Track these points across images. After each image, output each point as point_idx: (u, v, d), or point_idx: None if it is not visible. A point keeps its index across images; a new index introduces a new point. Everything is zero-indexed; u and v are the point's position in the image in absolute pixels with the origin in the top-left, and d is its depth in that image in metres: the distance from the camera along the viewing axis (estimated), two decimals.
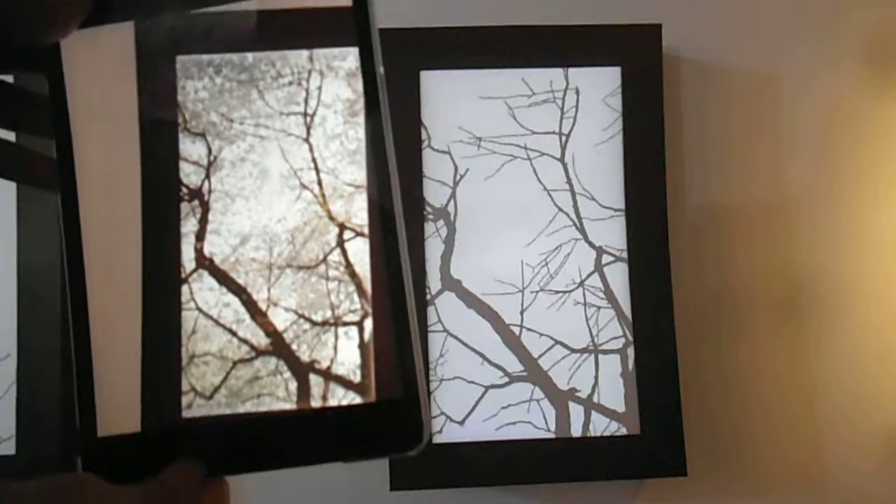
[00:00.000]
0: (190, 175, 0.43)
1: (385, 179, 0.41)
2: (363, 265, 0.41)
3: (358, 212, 0.41)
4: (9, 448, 1.00)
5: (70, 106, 0.43)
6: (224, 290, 0.42)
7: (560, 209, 1.07)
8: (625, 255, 1.06)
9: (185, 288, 0.42)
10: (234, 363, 0.41)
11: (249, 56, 0.43)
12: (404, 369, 0.39)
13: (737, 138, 1.14)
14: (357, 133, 0.42)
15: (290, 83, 0.43)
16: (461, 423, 1.04)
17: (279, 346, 0.41)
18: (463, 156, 1.07)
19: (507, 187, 1.07)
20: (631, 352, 1.05)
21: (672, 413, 1.04)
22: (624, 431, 1.04)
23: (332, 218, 0.42)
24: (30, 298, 1.01)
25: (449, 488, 1.05)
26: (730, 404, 1.10)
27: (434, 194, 1.06)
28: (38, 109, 0.45)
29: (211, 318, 0.42)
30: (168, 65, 0.43)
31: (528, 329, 1.06)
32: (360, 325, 0.41)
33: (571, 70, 1.08)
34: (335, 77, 0.42)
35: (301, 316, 0.41)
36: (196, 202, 0.42)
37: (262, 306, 0.42)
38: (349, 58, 0.42)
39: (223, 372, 0.41)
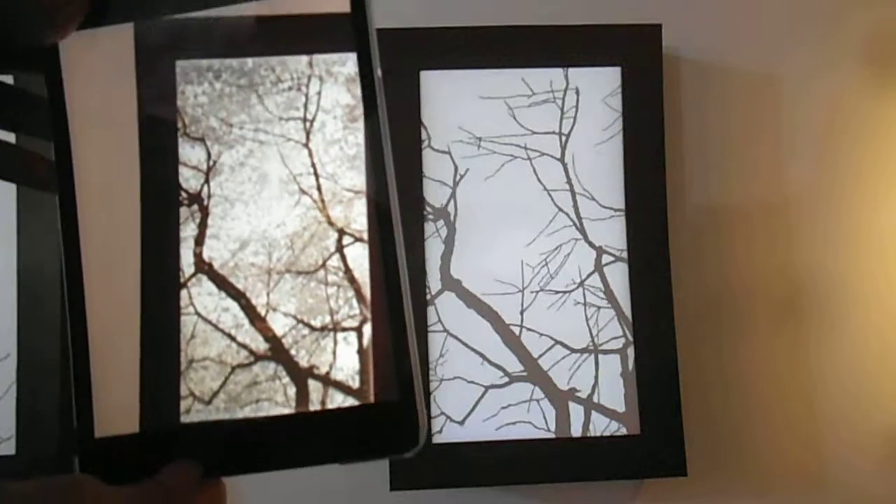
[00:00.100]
0: (189, 179, 0.43)
1: (383, 184, 0.41)
2: (362, 270, 0.41)
3: (357, 217, 0.41)
4: (9, 448, 1.00)
5: (69, 108, 0.43)
6: (223, 294, 0.42)
7: (560, 209, 1.07)
8: (625, 255, 1.06)
9: (184, 292, 0.42)
10: (233, 368, 0.41)
11: (249, 61, 0.43)
12: (401, 371, 0.40)
13: (737, 138, 1.14)
14: (357, 138, 0.42)
15: (290, 88, 0.43)
16: (461, 423, 1.04)
17: (278, 352, 0.41)
18: (463, 156, 1.07)
19: (507, 187, 1.07)
20: (631, 352, 1.05)
21: (672, 413, 1.04)
22: (624, 431, 1.04)
23: (331, 223, 0.42)
24: (30, 299, 1.01)
25: (449, 488, 1.05)
26: (730, 404, 1.10)
27: (434, 194, 1.06)
28: (38, 111, 0.45)
29: (210, 322, 0.42)
30: (168, 69, 0.43)
31: (528, 329, 1.06)
32: (359, 330, 0.41)
33: (571, 70, 1.08)
34: (335, 82, 0.42)
35: (300, 321, 0.41)
36: (195, 207, 0.42)
37: (261, 311, 0.42)
38: (349, 63, 0.42)
39: (222, 377, 0.41)
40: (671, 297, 1.05)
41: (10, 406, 1.01)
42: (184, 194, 0.43)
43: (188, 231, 0.42)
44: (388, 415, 0.40)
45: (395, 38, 1.04)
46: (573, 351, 1.06)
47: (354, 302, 0.41)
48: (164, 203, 0.43)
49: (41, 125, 0.45)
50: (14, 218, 1.02)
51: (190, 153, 0.43)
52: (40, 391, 1.00)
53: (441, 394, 1.04)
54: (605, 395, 1.05)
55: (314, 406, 0.41)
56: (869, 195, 1.13)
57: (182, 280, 0.42)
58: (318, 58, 0.43)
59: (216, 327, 0.42)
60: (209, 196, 0.42)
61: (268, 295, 0.42)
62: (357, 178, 0.42)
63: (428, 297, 1.05)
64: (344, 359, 0.41)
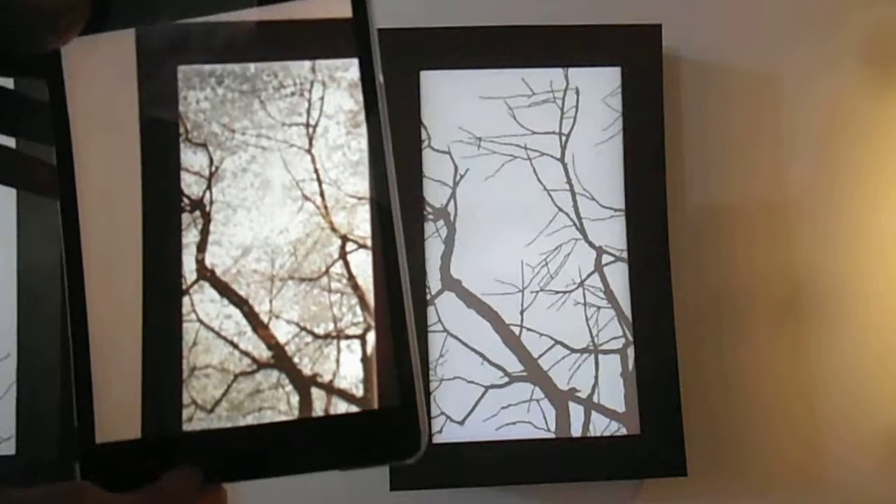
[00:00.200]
0: (191, 185, 0.42)
1: (384, 190, 0.40)
2: (366, 277, 0.41)
3: (361, 223, 0.41)
4: (9, 448, 1.00)
5: (71, 113, 0.42)
6: (225, 301, 0.42)
7: (560, 209, 1.07)
8: (625, 255, 1.06)
9: (185, 299, 0.42)
10: (236, 376, 0.41)
11: (251, 66, 0.43)
12: (403, 377, 0.39)
13: (737, 138, 1.14)
14: (360, 144, 0.42)
15: (293, 94, 0.43)
16: (461, 423, 1.04)
17: (281, 359, 0.41)
18: (463, 156, 1.07)
19: (507, 187, 1.07)
20: (631, 352, 1.05)
21: (672, 413, 1.04)
22: (624, 431, 1.04)
23: (334, 229, 0.41)
24: (30, 299, 1.01)
25: (449, 488, 1.05)
26: (730, 404, 1.10)
27: (434, 194, 1.06)
28: (38, 115, 0.45)
29: (212, 330, 0.42)
30: (170, 74, 0.43)
31: (528, 329, 1.06)
32: (362, 338, 0.41)
33: (571, 70, 1.08)
34: (337, 88, 0.42)
35: (303, 328, 0.41)
36: (197, 213, 0.42)
37: (264, 318, 0.41)
38: (351, 68, 0.42)
39: (224, 385, 0.41)
40: (671, 297, 1.05)
41: (10, 406, 1.01)
42: (186, 200, 0.42)
43: (190, 237, 0.42)
44: (390, 421, 0.40)
45: (395, 38, 1.04)
46: (573, 351, 1.05)
47: (358, 309, 0.41)
48: (166, 209, 0.42)
49: (41, 130, 0.45)
50: (14, 218, 1.02)
51: (192, 159, 0.43)
52: (40, 391, 1.00)
53: (441, 394, 1.04)
54: (605, 395, 1.05)
55: (317, 414, 0.41)
56: (869, 195, 1.13)
57: (184, 287, 0.42)
58: (321, 63, 0.43)
59: (218, 335, 0.41)
60: (211, 202, 0.42)
61: (270, 302, 0.41)
62: (360, 184, 0.41)
63: (428, 297, 1.05)
64: (348, 367, 0.41)
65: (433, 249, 1.06)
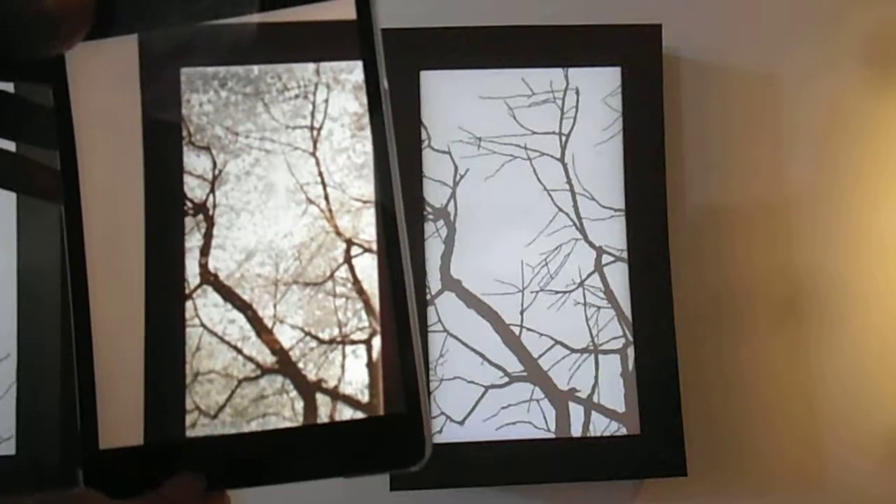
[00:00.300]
0: (195, 189, 0.42)
1: (388, 193, 0.40)
2: (371, 282, 0.41)
3: (366, 227, 0.41)
4: (9, 448, 1.00)
5: (74, 117, 0.42)
6: (229, 306, 0.41)
7: (560, 209, 1.07)
8: (625, 255, 1.06)
9: (189, 304, 0.42)
10: (240, 381, 0.41)
11: (255, 69, 0.43)
12: (407, 384, 0.39)
13: (737, 138, 1.14)
14: (365, 147, 0.41)
15: (297, 96, 0.42)
16: (461, 423, 1.04)
17: (285, 365, 0.41)
18: (463, 156, 1.07)
19: (507, 187, 1.07)
20: (631, 352, 1.05)
21: (672, 413, 1.04)
22: (624, 431, 1.04)
23: (339, 233, 0.41)
24: (30, 299, 1.01)
25: (449, 488, 1.05)
26: (730, 404, 1.10)
27: (434, 194, 1.06)
28: (39, 119, 0.45)
29: (216, 334, 0.41)
30: (173, 77, 0.43)
31: (528, 329, 1.06)
32: (368, 343, 0.40)
33: (571, 70, 1.08)
34: (342, 90, 0.42)
35: (308, 333, 0.41)
36: (201, 217, 0.42)
37: (268, 323, 0.41)
38: (356, 71, 0.42)
39: (228, 390, 0.41)
40: (671, 297, 1.05)
41: (10, 406, 1.00)
42: (189, 204, 0.42)
43: (193, 241, 0.42)
44: (394, 428, 0.39)
45: (395, 38, 1.04)
46: (573, 351, 1.05)
47: (363, 314, 0.41)
48: (169, 213, 0.42)
49: (42, 133, 0.45)
50: (14, 219, 1.02)
51: (195, 162, 0.42)
52: (40, 391, 1.00)
53: (441, 394, 1.04)
54: (605, 395, 1.05)
55: (322, 421, 0.40)
56: (869, 195, 1.13)
57: (187, 291, 0.42)
58: (325, 65, 0.42)
59: (222, 339, 0.41)
60: (215, 206, 0.42)
61: (275, 307, 0.41)
62: (365, 188, 0.41)
63: (428, 297, 1.05)
64: (353, 372, 0.40)
65: (433, 249, 1.06)
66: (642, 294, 1.06)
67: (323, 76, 0.42)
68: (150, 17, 0.43)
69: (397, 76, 1.05)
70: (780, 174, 1.14)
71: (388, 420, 0.40)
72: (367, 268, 0.41)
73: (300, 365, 0.41)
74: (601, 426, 1.04)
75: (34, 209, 1.01)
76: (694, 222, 1.12)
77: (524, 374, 1.05)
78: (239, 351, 0.41)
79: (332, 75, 0.42)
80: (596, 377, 1.05)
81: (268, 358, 0.41)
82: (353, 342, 0.41)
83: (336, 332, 0.41)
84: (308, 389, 0.41)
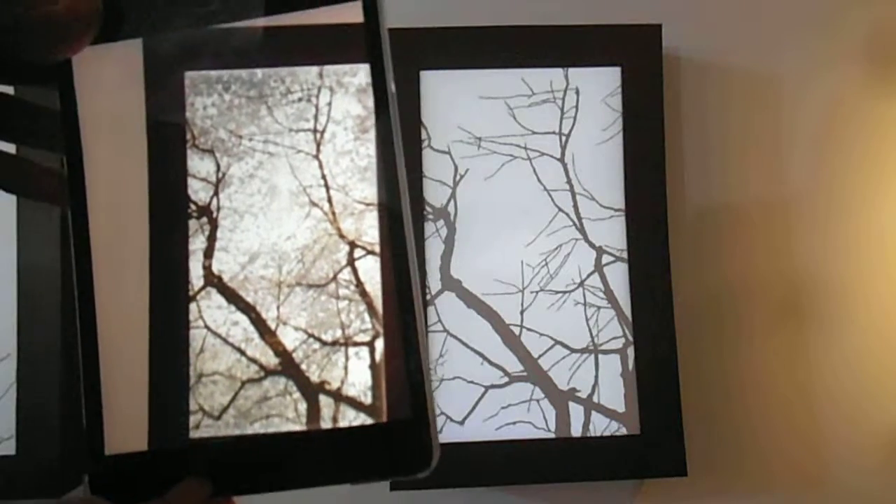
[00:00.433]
0: (198, 192, 0.42)
1: (395, 197, 0.40)
2: (374, 284, 0.41)
3: (369, 229, 0.41)
4: (9, 448, 1.00)
5: (81, 121, 0.42)
6: (232, 308, 0.41)
7: (560, 209, 1.07)
8: (625, 255, 1.06)
9: (193, 306, 0.42)
10: (243, 383, 0.41)
11: (258, 72, 0.43)
12: (414, 390, 0.39)
13: (737, 138, 1.14)
14: (368, 150, 0.42)
15: (300, 99, 0.42)
16: (461, 423, 1.04)
17: (288, 366, 0.41)
18: (463, 156, 1.07)
19: (507, 187, 1.07)
20: (631, 352, 1.05)
21: (672, 413, 1.04)
22: (624, 431, 1.04)
23: (342, 236, 0.41)
24: (30, 299, 1.01)
25: (449, 488, 1.05)
26: (730, 404, 1.10)
27: (434, 194, 1.06)
28: (39, 122, 0.45)
29: (219, 336, 0.41)
30: (177, 80, 0.43)
31: (528, 329, 1.06)
32: (371, 345, 0.40)
33: (571, 70, 1.08)
34: (345, 93, 0.42)
35: (311, 335, 0.41)
36: (204, 219, 0.42)
37: (272, 325, 0.41)
38: (359, 74, 0.42)
39: (231, 392, 0.41)
40: (671, 297, 1.05)
41: (10, 406, 1.00)
42: (193, 206, 0.42)
43: (197, 244, 0.42)
44: (401, 435, 0.39)
45: (395, 38, 1.03)
46: (573, 351, 1.05)
47: (366, 316, 0.41)
48: (173, 216, 0.42)
49: (42, 136, 0.45)
50: (14, 219, 1.02)
51: (199, 165, 0.42)
52: (40, 391, 1.00)
53: (441, 394, 1.04)
54: (605, 395, 1.05)
55: (325, 422, 0.40)
56: (869, 195, 1.13)
57: (191, 293, 0.42)
58: (329, 68, 0.42)
59: (226, 341, 0.41)
60: (218, 208, 0.42)
61: (278, 309, 0.41)
62: (368, 190, 0.41)
63: (428, 297, 1.05)
64: (356, 374, 0.40)
65: (433, 249, 1.06)
66: (642, 294, 1.06)
67: (326, 79, 0.42)
68: (155, 22, 0.43)
69: (397, 76, 1.04)
70: (779, 174, 1.14)
71: (395, 426, 0.40)
72: (370, 270, 0.41)
73: (303, 367, 0.41)
74: (601, 426, 1.04)
75: (34, 209, 1.01)
76: (694, 222, 1.12)
77: (524, 374, 1.05)
78: (242, 353, 0.41)
79: (336, 78, 0.42)
80: (596, 377, 1.05)
81: (271, 360, 0.41)
82: (356, 344, 0.41)
83: (339, 334, 0.41)
84: (311, 391, 0.41)
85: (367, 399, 0.40)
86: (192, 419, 0.41)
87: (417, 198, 1.05)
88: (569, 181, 1.07)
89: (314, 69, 0.42)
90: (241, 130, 0.42)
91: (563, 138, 1.07)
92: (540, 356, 1.05)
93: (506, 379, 1.05)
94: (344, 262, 0.41)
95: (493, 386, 1.05)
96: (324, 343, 0.41)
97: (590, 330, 1.06)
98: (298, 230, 0.42)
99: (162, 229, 0.42)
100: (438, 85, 1.07)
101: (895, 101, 1.14)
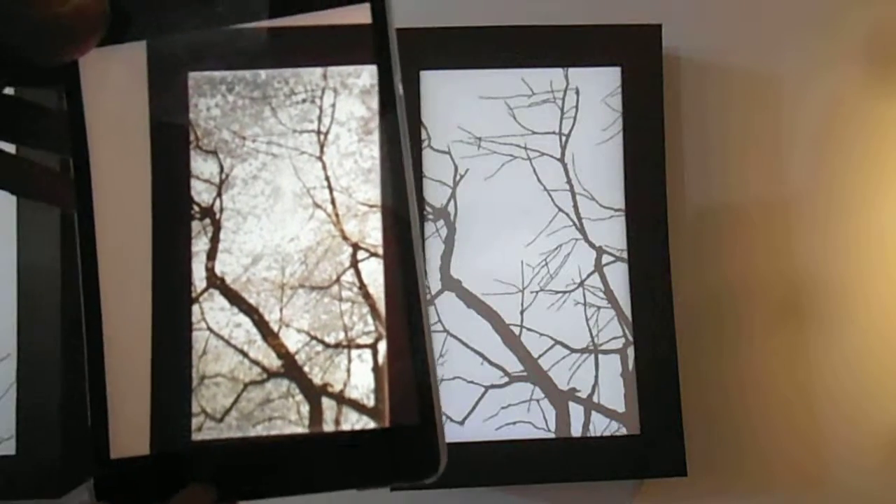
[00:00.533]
0: (202, 193, 0.42)
1: (403, 200, 0.40)
2: (377, 286, 0.40)
3: (372, 231, 0.41)
4: (9, 448, 0.99)
5: (87, 122, 0.42)
6: (235, 310, 0.41)
7: (560, 209, 1.07)
8: (625, 255, 1.06)
9: (195, 307, 0.42)
10: (246, 385, 0.41)
11: (262, 73, 0.42)
12: (421, 395, 0.39)
13: (737, 138, 1.14)
14: (372, 151, 0.41)
15: (304, 100, 0.42)
16: (461, 423, 1.04)
17: (291, 368, 0.41)
18: (463, 156, 1.07)
19: (507, 187, 1.07)
20: (631, 352, 1.05)
21: (672, 413, 1.04)
22: (624, 431, 1.04)
23: (345, 238, 0.41)
24: (30, 299, 1.01)
25: (449, 488, 1.05)
26: (730, 404, 1.11)
27: (434, 194, 1.06)
28: (40, 121, 0.45)
29: (222, 338, 0.41)
30: (180, 81, 0.43)
31: (528, 329, 1.06)
32: (373, 347, 0.40)
33: (571, 70, 1.08)
34: (349, 94, 0.42)
35: (314, 337, 0.41)
36: (207, 220, 0.42)
37: (274, 327, 0.41)
38: (363, 75, 0.42)
39: (234, 394, 0.41)
40: (671, 297, 1.05)
41: (10, 406, 1.00)
42: (196, 208, 0.42)
43: (200, 245, 0.42)
44: (408, 439, 0.39)
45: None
46: (573, 351, 1.05)
47: (369, 318, 0.40)
48: (176, 217, 0.42)
49: (43, 136, 0.45)
50: (14, 218, 1.02)
51: (202, 166, 0.42)
52: (40, 391, 1.00)
53: (441, 394, 1.04)
54: (605, 395, 1.05)
55: (328, 425, 0.40)
56: (869, 195, 1.13)
57: (194, 295, 0.42)
58: (333, 70, 0.42)
59: (228, 343, 0.41)
60: (221, 210, 0.42)
61: (281, 310, 0.41)
62: (372, 192, 0.41)
63: (428, 297, 1.05)
64: (358, 376, 0.40)
65: (433, 249, 1.06)
66: (642, 294, 1.06)
67: (330, 80, 0.42)
68: (162, 24, 0.43)
69: None
70: (779, 174, 1.14)
71: (402, 431, 0.40)
72: (374, 272, 0.41)
73: (306, 369, 0.41)
74: (601, 426, 1.04)
75: (34, 209, 1.01)
76: (694, 222, 1.12)
77: (524, 374, 1.05)
78: (245, 354, 0.41)
79: (340, 80, 0.42)
80: (596, 377, 1.05)
81: (274, 362, 0.41)
82: (359, 346, 0.41)
83: (342, 336, 0.41)
84: (314, 393, 0.41)
85: (370, 402, 0.40)
86: (195, 421, 0.41)
87: (418, 198, 1.05)
88: (569, 181, 1.07)
89: (318, 70, 0.42)
90: (244, 132, 0.42)
91: (563, 138, 1.07)
92: (540, 356, 1.05)
93: (506, 379, 1.05)
94: (347, 264, 0.41)
95: (493, 386, 1.05)
96: (327, 345, 0.41)
97: (590, 330, 1.06)
98: (302, 232, 0.41)
99: (165, 231, 0.42)
100: (438, 85, 1.07)
101: (895, 101, 1.14)
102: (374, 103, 0.41)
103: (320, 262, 0.41)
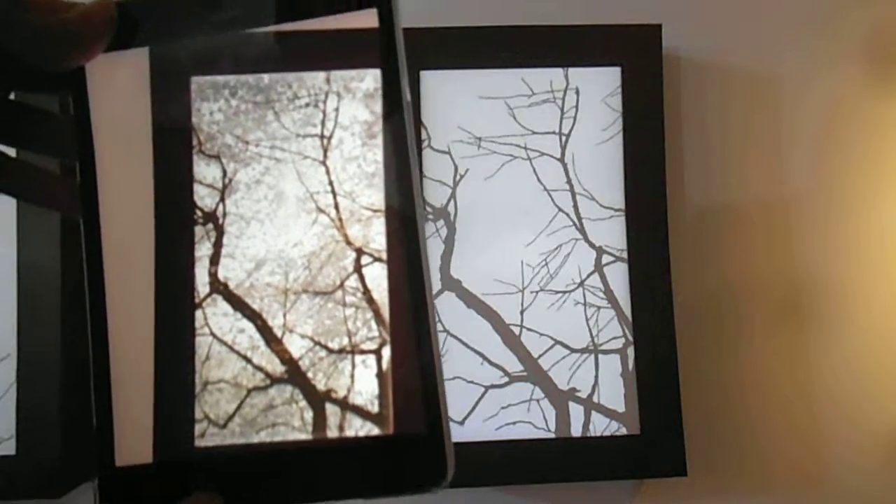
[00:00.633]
0: (205, 198, 0.42)
1: (410, 205, 0.40)
2: (381, 291, 0.40)
3: (376, 236, 0.41)
4: (9, 448, 0.99)
5: (93, 127, 0.42)
6: (239, 315, 0.41)
7: (560, 209, 1.07)
8: (625, 255, 1.06)
9: (199, 313, 0.42)
10: (249, 391, 0.41)
11: (265, 77, 0.42)
12: (427, 402, 0.39)
13: (737, 138, 1.14)
14: (375, 155, 0.41)
15: (307, 105, 0.42)
16: (461, 423, 1.04)
17: (295, 374, 0.41)
18: (463, 156, 1.07)
19: (507, 187, 1.07)
20: (631, 352, 1.05)
21: (672, 413, 1.04)
22: (624, 431, 1.04)
23: (349, 242, 0.41)
24: (30, 299, 1.01)
25: (449, 488, 1.05)
26: (730, 404, 1.11)
27: (434, 194, 1.06)
28: (41, 125, 0.45)
29: (225, 343, 0.41)
30: (183, 86, 0.43)
31: (528, 329, 1.06)
32: (377, 353, 0.40)
33: (571, 70, 1.08)
34: (353, 98, 0.42)
35: (317, 343, 0.41)
36: (210, 225, 0.42)
37: (278, 332, 0.41)
38: (367, 79, 0.42)
39: (237, 400, 0.41)
40: (671, 297, 1.05)
41: (10, 406, 1.00)
42: (199, 213, 0.42)
43: (203, 250, 0.42)
44: (415, 448, 0.39)
45: None
46: (573, 351, 1.05)
47: (373, 324, 0.40)
48: (179, 222, 0.42)
49: (44, 139, 0.45)
50: (14, 218, 1.01)
51: (205, 171, 0.42)
52: (40, 391, 1.00)
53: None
54: (605, 395, 1.05)
55: (332, 431, 0.40)
56: (869, 195, 1.13)
57: (197, 300, 0.42)
58: (336, 74, 0.42)
59: (231, 349, 0.41)
60: (224, 214, 0.42)
61: (284, 316, 0.41)
62: (376, 196, 0.41)
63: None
64: (362, 382, 0.40)
65: (433, 249, 1.06)
66: (642, 294, 1.06)
67: (333, 85, 0.42)
68: (168, 29, 0.43)
69: None
70: (779, 174, 1.14)
71: (409, 440, 0.39)
72: (377, 277, 0.40)
73: (309, 374, 0.41)
74: (601, 426, 1.04)
75: (34, 209, 1.01)
76: (694, 222, 1.12)
77: (524, 374, 1.05)
78: (248, 360, 0.41)
79: (343, 84, 0.42)
80: (596, 377, 1.05)
81: (277, 367, 0.41)
82: (363, 352, 0.40)
83: (346, 341, 0.41)
84: (317, 399, 0.40)
85: (374, 407, 0.40)
86: (198, 427, 0.41)
87: None
88: (569, 181, 1.07)
89: (321, 74, 0.42)
90: (247, 136, 0.42)
91: (563, 138, 1.07)
92: (540, 356, 1.05)
93: (506, 379, 1.05)
94: (351, 269, 0.41)
95: (493, 386, 1.05)
96: (330, 351, 0.41)
97: (590, 330, 1.06)
98: (305, 237, 0.41)
99: (168, 236, 0.42)
100: (438, 85, 1.07)
101: (895, 101, 1.14)
102: (378, 107, 0.41)
103: (324, 266, 0.41)
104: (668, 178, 1.07)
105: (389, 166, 0.41)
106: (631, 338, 1.05)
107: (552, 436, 1.04)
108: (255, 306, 0.41)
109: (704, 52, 1.14)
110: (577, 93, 1.08)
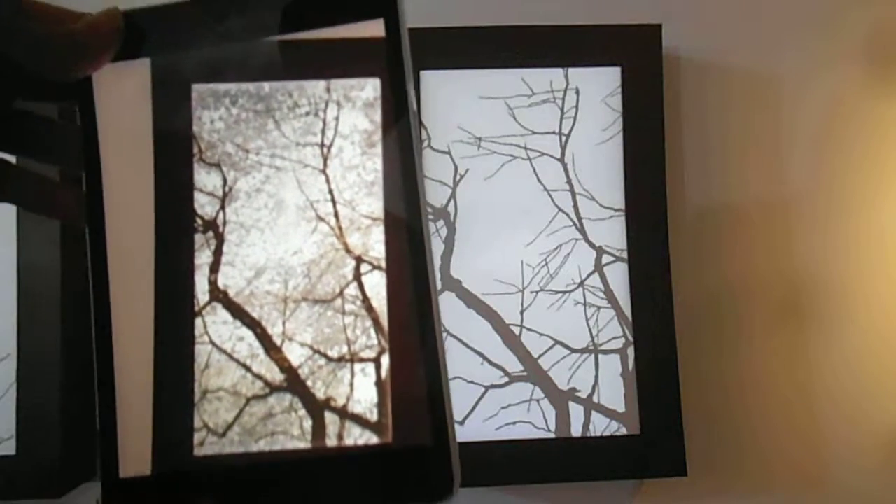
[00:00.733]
0: (205, 206, 0.42)
1: (416, 214, 0.40)
2: (380, 299, 0.40)
3: (375, 244, 0.41)
4: (9, 448, 1.00)
5: (99, 136, 0.43)
6: (238, 323, 0.41)
7: (560, 209, 1.07)
8: (625, 255, 1.06)
9: (198, 321, 0.42)
10: (248, 399, 0.41)
11: (266, 86, 0.42)
12: (433, 411, 0.39)
13: (737, 138, 1.14)
14: (375, 164, 0.41)
15: (307, 113, 0.42)
16: (461, 423, 1.04)
17: (294, 383, 0.41)
18: (463, 156, 1.07)
19: (507, 187, 1.06)
20: (631, 352, 1.05)
21: (672, 413, 1.04)
22: (624, 431, 1.04)
23: (348, 251, 0.41)
24: (30, 299, 1.01)
25: None
26: (730, 404, 1.11)
27: (434, 194, 1.06)
28: (41, 133, 0.45)
29: (224, 352, 0.41)
30: (184, 94, 0.43)
31: (528, 329, 1.06)
32: (376, 361, 0.40)
33: (571, 70, 1.08)
34: (353, 107, 0.42)
35: (316, 351, 0.41)
36: (210, 233, 0.42)
37: (277, 341, 0.41)
38: (367, 88, 0.42)
39: (236, 408, 0.40)
40: (671, 297, 1.05)
41: (10, 406, 1.00)
42: (199, 221, 0.42)
43: (203, 258, 0.42)
44: (421, 460, 0.39)
45: None
46: (573, 351, 1.05)
47: (372, 332, 0.40)
48: (179, 230, 0.42)
49: (44, 147, 0.45)
50: (14, 218, 1.02)
51: (206, 179, 0.42)
52: (40, 391, 1.00)
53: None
54: (605, 395, 1.05)
55: (331, 439, 0.40)
56: (869, 195, 1.13)
57: (197, 308, 0.42)
58: (336, 83, 0.42)
59: (231, 357, 0.41)
60: (225, 223, 0.42)
61: (283, 324, 0.41)
62: (375, 205, 0.41)
63: None
64: (361, 391, 0.40)
65: (433, 250, 1.05)
66: (642, 294, 1.06)
67: (334, 93, 0.42)
68: (176, 40, 0.43)
69: None
70: (779, 174, 1.14)
71: (415, 451, 0.39)
72: (377, 285, 0.40)
73: (309, 383, 0.41)
74: (601, 426, 1.04)
75: None
76: (694, 222, 1.12)
77: (524, 374, 1.05)
78: (248, 368, 0.41)
79: (343, 93, 0.42)
80: (596, 377, 1.05)
81: (276, 376, 0.41)
82: (362, 360, 0.40)
83: (345, 349, 0.41)
84: (316, 408, 0.40)
85: (374, 416, 0.40)
86: (197, 436, 0.40)
87: None
88: (569, 181, 1.07)
89: (321, 83, 0.42)
90: (248, 144, 0.42)
91: (563, 138, 1.07)
92: (540, 356, 1.05)
93: (506, 379, 1.05)
94: (350, 277, 0.41)
95: (493, 386, 1.05)
96: (330, 359, 0.41)
97: (590, 330, 1.06)
98: (305, 245, 0.41)
99: (168, 243, 0.42)
100: (438, 85, 1.07)
101: (895, 101, 1.14)
102: (378, 116, 0.41)
103: (323, 275, 0.41)
104: (668, 178, 1.07)
105: (394, 174, 0.41)
106: (631, 338, 1.05)
107: (552, 436, 1.04)
108: (255, 314, 0.41)
109: (704, 52, 1.14)
110: (577, 93, 1.08)
